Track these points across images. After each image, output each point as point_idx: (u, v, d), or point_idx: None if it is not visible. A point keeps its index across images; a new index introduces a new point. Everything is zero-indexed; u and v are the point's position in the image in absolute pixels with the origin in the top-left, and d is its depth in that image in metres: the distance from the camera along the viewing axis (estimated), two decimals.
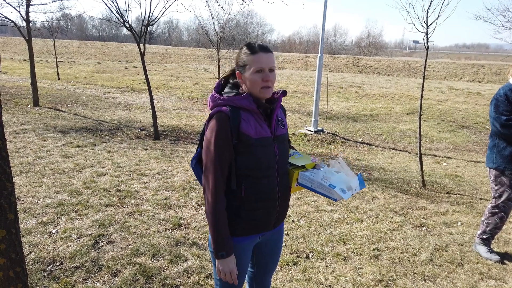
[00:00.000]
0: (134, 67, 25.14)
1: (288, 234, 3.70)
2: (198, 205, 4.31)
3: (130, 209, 4.11)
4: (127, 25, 7.10)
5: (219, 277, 1.67)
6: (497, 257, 3.35)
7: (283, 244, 3.47)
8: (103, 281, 2.85)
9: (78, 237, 3.45)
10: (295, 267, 3.15)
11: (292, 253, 3.35)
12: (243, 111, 1.66)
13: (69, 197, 4.33)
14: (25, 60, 25.92)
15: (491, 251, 3.42)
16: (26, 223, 3.66)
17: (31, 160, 5.55)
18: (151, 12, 7.14)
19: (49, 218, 3.78)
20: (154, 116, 7.49)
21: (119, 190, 4.61)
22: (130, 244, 3.37)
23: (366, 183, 5.30)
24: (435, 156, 7.23)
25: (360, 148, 7.71)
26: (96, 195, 4.44)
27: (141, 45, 7.21)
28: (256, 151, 1.65)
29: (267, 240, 1.89)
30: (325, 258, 3.29)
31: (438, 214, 4.35)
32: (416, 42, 68.90)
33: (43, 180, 4.79)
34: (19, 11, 9.56)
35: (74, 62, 28.34)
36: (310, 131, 8.54)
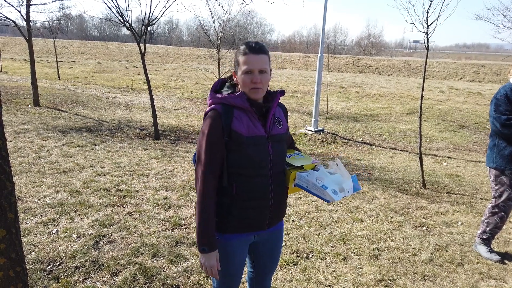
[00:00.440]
0: (135, 67, 25.14)
1: (288, 234, 3.70)
2: None
3: (130, 209, 4.11)
4: (127, 25, 7.10)
5: (202, 270, 1.71)
6: (497, 257, 3.35)
7: (283, 244, 3.47)
8: (103, 280, 2.85)
9: (78, 237, 3.45)
10: (295, 267, 3.15)
11: (292, 253, 3.35)
12: (237, 109, 1.68)
13: (69, 197, 4.33)
14: (25, 60, 25.93)
15: (492, 251, 3.42)
16: (26, 223, 3.66)
17: (31, 159, 5.56)
18: (151, 12, 7.14)
19: (49, 218, 3.78)
20: (154, 116, 7.50)
21: (119, 190, 4.61)
22: (130, 244, 3.37)
23: (366, 183, 5.30)
24: (436, 156, 7.23)
25: (360, 148, 7.71)
26: (96, 194, 4.44)
27: (142, 45, 7.21)
28: (248, 150, 1.66)
29: (264, 240, 1.89)
30: (325, 258, 3.29)
31: (439, 214, 4.35)
32: (416, 42, 68.87)
33: (43, 180, 4.80)
34: (19, 11, 9.57)
35: (74, 62, 28.35)
36: (311, 131, 8.54)
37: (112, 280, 2.86)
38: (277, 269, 3.09)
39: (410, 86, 18.72)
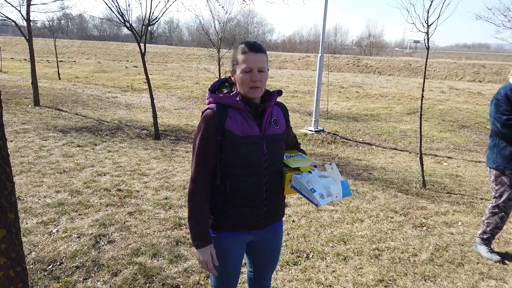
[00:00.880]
0: (135, 66, 25.14)
1: (288, 234, 3.70)
2: None
3: (130, 209, 4.11)
4: (127, 24, 7.11)
5: (199, 266, 1.71)
6: (497, 257, 3.35)
7: (283, 244, 3.47)
8: (103, 280, 2.85)
9: (78, 237, 3.45)
10: (296, 267, 3.15)
11: (292, 253, 3.35)
12: (231, 109, 1.69)
13: (70, 197, 4.33)
14: (25, 59, 25.94)
15: (492, 251, 3.42)
16: (27, 223, 3.66)
17: (31, 159, 5.56)
18: (152, 11, 7.14)
19: (49, 218, 3.78)
20: (155, 116, 7.50)
21: (119, 190, 4.61)
22: (130, 244, 3.37)
23: (366, 183, 5.30)
24: (436, 156, 7.22)
25: (360, 148, 7.71)
26: (96, 194, 4.44)
27: (142, 44, 7.21)
28: (241, 149, 1.66)
29: (262, 240, 1.89)
30: (326, 258, 3.29)
31: (439, 214, 4.35)
32: (416, 42, 68.87)
33: (43, 180, 4.80)
34: (19, 11, 9.58)
35: (74, 61, 28.36)
36: (311, 131, 8.54)
37: (112, 280, 2.86)
38: (277, 269, 3.09)
39: (410, 86, 18.71)
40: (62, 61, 25.98)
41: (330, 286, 2.91)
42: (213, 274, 1.75)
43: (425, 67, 5.27)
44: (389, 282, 2.98)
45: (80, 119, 8.83)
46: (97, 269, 2.98)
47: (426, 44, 5.05)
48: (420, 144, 5.30)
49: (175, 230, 3.69)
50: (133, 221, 3.83)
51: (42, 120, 8.33)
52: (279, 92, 1.79)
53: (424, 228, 3.98)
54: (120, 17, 7.03)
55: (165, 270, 3.01)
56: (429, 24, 4.90)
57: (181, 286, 2.82)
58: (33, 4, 9.56)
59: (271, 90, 1.82)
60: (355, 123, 10.10)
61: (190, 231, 1.70)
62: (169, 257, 3.17)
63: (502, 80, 22.07)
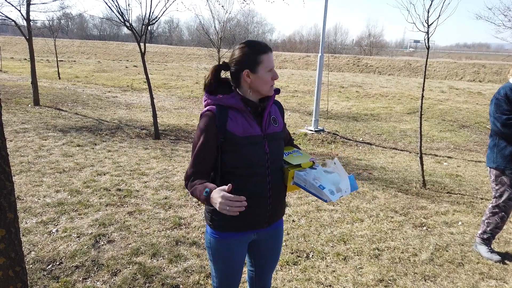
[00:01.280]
0: (135, 66, 25.14)
1: (288, 234, 3.69)
2: (199, 205, 4.31)
3: (130, 209, 4.10)
4: (127, 24, 7.10)
5: (226, 210, 1.50)
6: (497, 257, 3.34)
7: (283, 243, 3.47)
8: (103, 280, 2.85)
9: (78, 236, 3.45)
10: (295, 266, 3.14)
11: (292, 253, 3.34)
12: (231, 110, 1.68)
13: (69, 196, 4.33)
14: (25, 59, 25.93)
15: (492, 251, 3.41)
16: (26, 222, 3.66)
17: (31, 159, 5.55)
18: (152, 11, 7.14)
19: (49, 217, 3.78)
20: (155, 116, 7.49)
21: (119, 190, 4.61)
22: (130, 244, 3.37)
23: (366, 183, 5.30)
24: (436, 155, 7.22)
25: (360, 147, 7.71)
26: (96, 194, 4.44)
27: (142, 44, 7.20)
28: (243, 150, 1.66)
29: (264, 239, 1.89)
30: (326, 258, 3.29)
31: (439, 214, 4.34)
32: (416, 41, 68.83)
33: (43, 179, 4.79)
34: (19, 10, 9.57)
35: (74, 61, 28.35)
36: (311, 130, 8.53)
37: (112, 280, 2.85)
38: (277, 269, 3.09)
39: (410, 85, 18.70)
40: (62, 60, 25.98)
41: (330, 286, 2.91)
42: (238, 207, 1.48)
43: (425, 66, 5.26)
44: (389, 282, 2.98)
45: (80, 118, 8.82)
46: (96, 268, 2.98)
47: (426, 44, 5.04)
48: (420, 143, 5.30)
49: (174, 229, 3.68)
50: (133, 220, 3.82)
51: (42, 119, 8.32)
52: (277, 91, 1.79)
53: (424, 228, 3.97)
54: (120, 17, 7.02)
55: (164, 270, 3.00)
56: (429, 24, 4.89)
57: (180, 286, 2.82)
58: (33, 4, 9.56)
59: None
60: (355, 123, 10.10)
61: (196, 195, 1.62)
62: (169, 257, 3.16)
63: (502, 80, 22.06)
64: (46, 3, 9.97)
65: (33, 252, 3.15)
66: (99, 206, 4.11)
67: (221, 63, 1.75)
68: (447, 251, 3.50)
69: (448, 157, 7.16)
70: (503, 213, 3.30)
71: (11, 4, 9.86)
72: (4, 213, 1.85)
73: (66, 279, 2.82)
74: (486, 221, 3.42)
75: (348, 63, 28.49)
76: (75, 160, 5.64)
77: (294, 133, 8.32)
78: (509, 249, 3.59)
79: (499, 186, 3.28)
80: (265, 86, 1.70)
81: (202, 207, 4.25)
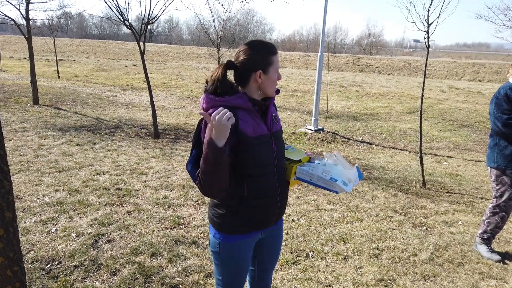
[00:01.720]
0: (134, 65, 25.11)
1: (288, 233, 3.68)
2: (198, 204, 4.30)
3: (129, 208, 4.09)
4: (127, 23, 7.08)
5: (217, 122, 1.45)
6: (497, 257, 3.34)
7: (283, 243, 3.46)
8: (102, 280, 2.84)
9: (77, 236, 3.44)
10: (295, 266, 3.14)
11: (292, 252, 3.33)
12: (239, 110, 1.65)
13: (69, 196, 4.32)
14: (25, 58, 25.88)
15: (492, 250, 3.41)
16: (25, 222, 3.65)
17: (30, 158, 5.54)
18: (151, 10, 7.12)
19: (48, 217, 3.77)
20: (154, 115, 7.48)
21: (118, 189, 4.60)
22: (129, 243, 3.36)
23: (366, 182, 5.29)
24: (436, 155, 7.21)
25: (360, 147, 7.70)
26: (95, 193, 4.43)
27: (141, 43, 7.19)
28: (255, 149, 1.65)
29: (269, 236, 1.90)
30: (325, 258, 3.28)
31: (439, 214, 4.34)
32: (416, 41, 68.83)
33: (42, 179, 4.78)
34: (19, 9, 9.54)
35: (74, 60, 28.32)
36: (311, 130, 8.52)
37: (111, 280, 2.84)
38: (276, 268, 3.08)
39: (410, 85, 18.70)
40: (61, 59, 25.95)
41: (329, 285, 2.90)
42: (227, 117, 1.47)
43: (425, 66, 5.25)
44: (389, 281, 2.97)
45: (79, 118, 8.81)
46: (95, 268, 2.97)
47: (427, 43, 5.03)
48: (420, 143, 5.29)
49: (174, 229, 3.67)
50: (132, 220, 3.81)
51: (41, 118, 8.31)
52: (277, 91, 1.79)
53: (424, 227, 3.97)
54: (119, 16, 7.01)
55: (164, 269, 2.99)
56: (429, 23, 4.88)
57: (180, 286, 2.81)
58: (32, 3, 9.53)
59: None
60: (355, 122, 10.09)
61: (206, 160, 1.50)
62: (168, 257, 3.16)
63: (501, 79, 22.06)
64: (45, 2, 9.98)
65: (32, 252, 3.14)
66: (98, 206, 4.09)
67: (225, 61, 1.70)
68: (447, 250, 3.49)
69: (448, 156, 7.15)
70: (503, 213, 3.30)
71: (10, 3, 9.81)
72: (2, 213, 1.84)
73: (65, 279, 2.81)
74: (486, 220, 3.42)
75: (348, 62, 28.48)
76: (74, 160, 5.63)
77: (294, 133, 8.31)
78: (509, 249, 3.59)
79: (500, 186, 3.27)
80: (272, 86, 1.71)
81: (201, 206, 4.25)
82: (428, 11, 4.83)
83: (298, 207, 4.32)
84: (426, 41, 5.02)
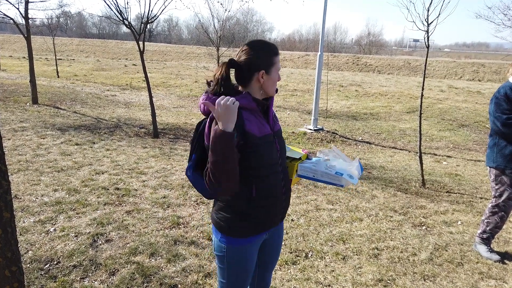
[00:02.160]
0: (134, 65, 25.09)
1: (287, 233, 3.68)
2: (197, 204, 4.29)
3: (128, 208, 4.08)
4: (126, 22, 7.07)
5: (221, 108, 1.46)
6: (497, 257, 3.33)
7: (282, 243, 3.45)
8: (100, 280, 2.83)
9: (76, 236, 3.43)
10: (294, 266, 3.13)
11: (291, 252, 3.33)
12: (244, 110, 1.64)
13: (67, 195, 4.31)
14: (24, 57, 25.85)
15: (491, 250, 3.41)
16: (24, 222, 3.64)
17: (29, 158, 5.53)
18: (151, 9, 7.11)
19: (47, 217, 3.76)
20: (153, 114, 7.47)
21: (117, 189, 4.59)
22: (128, 243, 3.35)
23: (365, 182, 5.29)
24: (435, 155, 7.21)
25: (359, 146, 7.70)
26: (94, 193, 4.42)
27: (141, 43, 7.18)
28: (261, 149, 1.65)
29: (271, 236, 1.90)
30: (325, 257, 3.27)
31: (438, 213, 4.33)
32: (416, 40, 68.87)
33: (41, 178, 4.77)
34: (18, 8, 9.52)
35: (73, 59, 28.28)
36: (310, 129, 8.52)
37: (110, 280, 2.84)
38: (276, 268, 3.08)
39: (409, 85, 18.70)
40: (61, 59, 25.92)
41: (329, 285, 2.89)
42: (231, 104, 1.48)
43: (425, 65, 5.25)
44: (388, 281, 2.97)
45: (78, 117, 8.80)
46: (94, 268, 2.96)
47: (426, 43, 5.03)
48: (420, 143, 5.29)
49: (173, 229, 3.66)
50: (131, 220, 3.80)
51: (40, 118, 8.29)
52: (276, 91, 1.79)
53: (424, 227, 3.96)
54: (119, 15, 6.99)
55: (163, 269, 2.99)
56: (429, 23, 4.88)
57: (179, 286, 2.80)
58: (31, 2, 9.50)
59: None
60: (354, 122, 10.09)
61: (214, 147, 1.48)
62: (167, 257, 3.15)
63: (501, 79, 22.07)
64: (44, 1, 9.94)
65: (30, 252, 3.13)
66: (97, 205, 4.09)
67: (227, 60, 1.67)
68: (446, 250, 3.48)
69: (448, 156, 7.15)
70: (502, 212, 3.29)
71: (9, 2, 9.78)
72: (0, 213, 1.84)
73: (63, 279, 2.80)
74: (485, 220, 3.41)
75: (347, 62, 28.47)
76: (73, 159, 5.62)
77: (293, 132, 8.31)
78: (509, 248, 3.58)
79: (499, 185, 3.27)
80: (273, 86, 1.71)
81: (200, 206, 4.24)
82: (428, 10, 4.83)
83: (298, 207, 4.31)
84: (426, 40, 5.02)
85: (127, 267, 2.99)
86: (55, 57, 19.36)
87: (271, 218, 1.77)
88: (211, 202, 4.09)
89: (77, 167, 5.30)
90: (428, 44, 5.02)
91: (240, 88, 1.71)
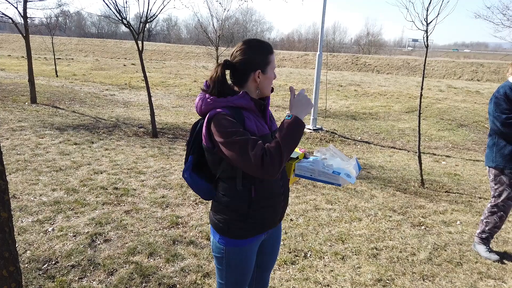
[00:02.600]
0: (133, 64, 25.06)
1: (286, 233, 3.67)
2: (196, 203, 4.28)
3: (127, 207, 4.07)
4: (125, 22, 7.05)
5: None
6: (496, 257, 3.33)
7: (281, 243, 3.45)
8: (99, 280, 2.82)
9: (74, 235, 3.42)
10: (293, 266, 3.12)
11: (290, 252, 3.32)
12: (243, 110, 1.63)
13: (66, 195, 4.29)
14: (23, 57, 25.79)
15: (490, 250, 3.40)
16: (22, 221, 3.63)
17: (27, 157, 5.51)
18: (149, 9, 7.10)
19: (45, 216, 3.75)
20: (152, 114, 7.46)
21: (116, 188, 4.58)
22: (126, 243, 3.34)
23: (365, 182, 5.28)
24: (434, 154, 7.21)
25: (359, 146, 7.69)
26: (93, 193, 4.41)
27: (140, 42, 7.16)
28: None
29: (269, 237, 1.89)
30: (323, 257, 3.27)
31: (437, 213, 4.33)
32: (415, 40, 68.94)
33: (39, 178, 4.76)
34: (16, 8, 9.49)
35: (72, 59, 28.24)
36: (309, 129, 8.51)
37: (108, 280, 2.83)
38: (275, 268, 3.07)
39: (408, 84, 18.71)
40: (59, 58, 25.87)
41: (328, 285, 2.89)
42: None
43: (424, 65, 5.25)
44: (387, 281, 2.96)
45: (77, 116, 8.78)
46: (92, 268, 2.95)
47: (425, 42, 5.02)
48: (419, 142, 5.29)
49: (172, 229, 3.66)
50: (130, 219, 3.79)
51: (38, 117, 8.28)
52: (272, 90, 1.79)
53: (423, 227, 3.96)
54: (117, 15, 6.98)
55: (161, 269, 2.98)
56: (428, 22, 4.87)
57: (177, 286, 2.79)
58: (30, 1, 9.48)
59: None
60: (353, 122, 10.09)
61: (285, 137, 1.51)
62: (166, 256, 3.14)
63: (500, 79, 22.10)
64: (43, 0, 9.91)
65: (28, 251, 3.12)
66: (95, 205, 4.07)
67: (222, 61, 1.67)
68: (445, 250, 3.48)
69: (447, 156, 7.15)
70: (501, 212, 3.29)
71: (8, 1, 9.76)
72: None
73: (61, 279, 2.79)
74: (484, 220, 3.41)
75: (346, 61, 28.48)
76: (72, 159, 5.61)
77: None
78: (508, 248, 3.58)
79: (498, 185, 3.27)
80: (269, 86, 1.70)
81: (199, 206, 4.23)
82: (427, 10, 4.82)
83: (297, 207, 4.31)
84: (425, 40, 5.02)
85: (125, 267, 2.98)
86: (54, 57, 19.32)
87: (272, 218, 1.76)
88: (210, 202, 4.08)
89: (76, 166, 5.28)
90: (427, 44, 5.02)
91: (236, 88, 1.71)
